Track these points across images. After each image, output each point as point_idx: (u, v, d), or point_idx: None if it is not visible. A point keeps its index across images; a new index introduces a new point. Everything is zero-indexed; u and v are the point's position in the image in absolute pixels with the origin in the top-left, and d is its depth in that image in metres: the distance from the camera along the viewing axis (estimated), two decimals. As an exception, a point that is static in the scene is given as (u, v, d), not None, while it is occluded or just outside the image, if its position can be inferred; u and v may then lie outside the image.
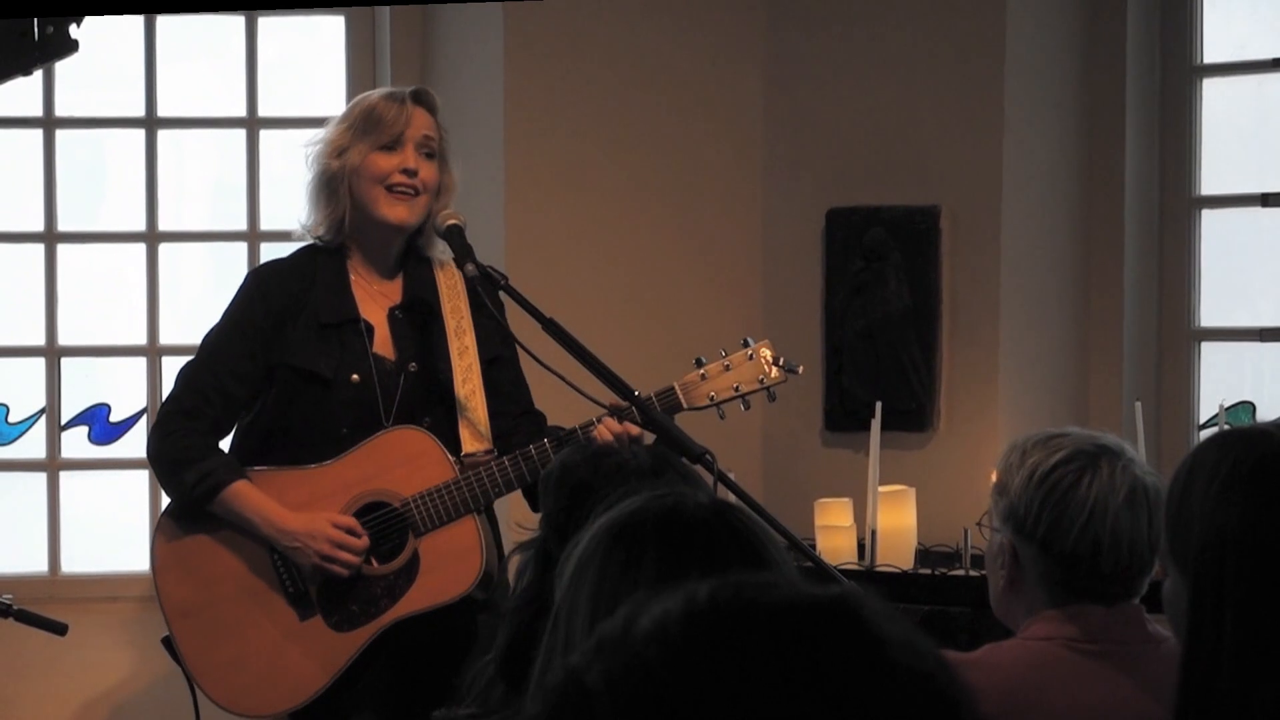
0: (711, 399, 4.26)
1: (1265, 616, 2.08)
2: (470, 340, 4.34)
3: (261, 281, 4.41)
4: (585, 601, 1.97)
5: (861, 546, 5.09)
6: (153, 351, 5.71)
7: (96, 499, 5.83)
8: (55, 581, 5.67)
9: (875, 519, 5.04)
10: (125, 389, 5.75)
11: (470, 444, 4.27)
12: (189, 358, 4.41)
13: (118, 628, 5.57)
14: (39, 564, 5.69)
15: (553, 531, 2.73)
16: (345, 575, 4.26)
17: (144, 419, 5.72)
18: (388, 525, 4.28)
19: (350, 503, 4.28)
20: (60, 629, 4.63)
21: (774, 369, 4.28)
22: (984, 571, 3.08)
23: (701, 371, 4.27)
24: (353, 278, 4.38)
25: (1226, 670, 2.08)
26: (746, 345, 4.30)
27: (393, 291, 4.39)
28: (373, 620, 4.28)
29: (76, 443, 5.75)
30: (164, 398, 4.44)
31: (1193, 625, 2.12)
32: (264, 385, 4.34)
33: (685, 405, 4.24)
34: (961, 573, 4.99)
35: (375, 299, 4.38)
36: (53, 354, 5.72)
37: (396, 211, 4.32)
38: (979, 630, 4.42)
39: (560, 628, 2.01)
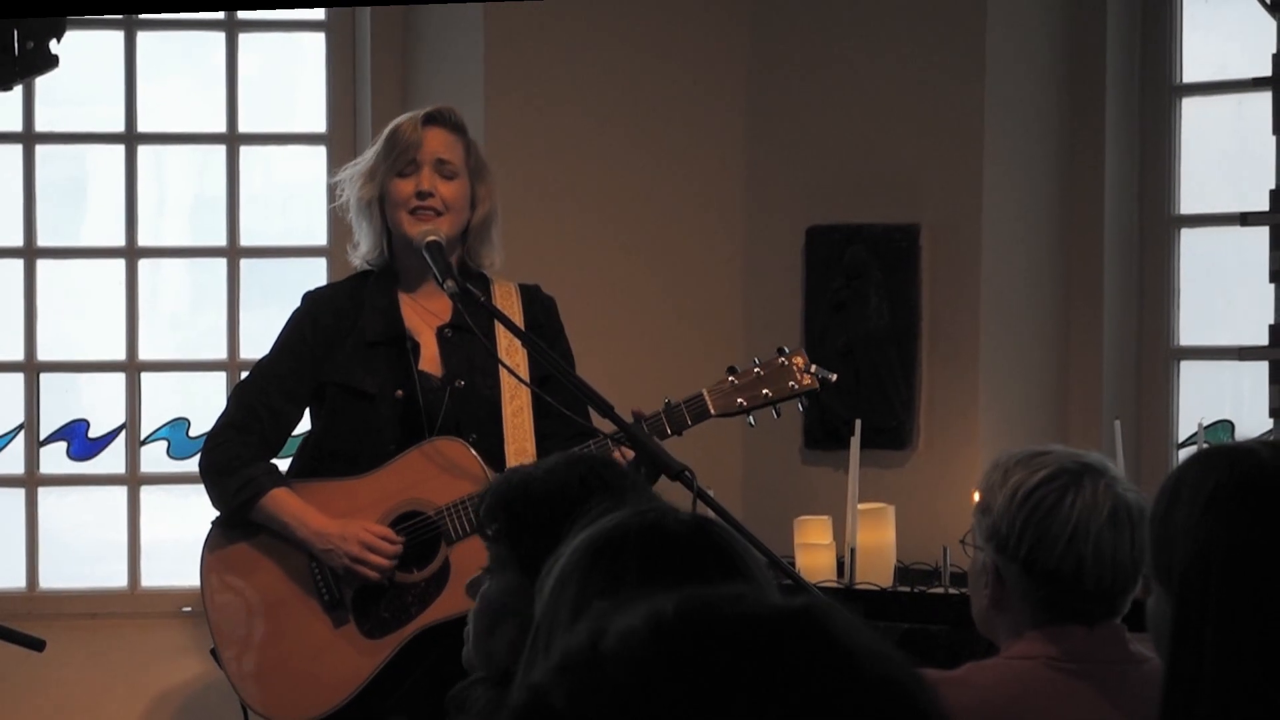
0: (742, 405, 4.27)
1: (1247, 634, 2.08)
2: (521, 358, 4.36)
3: (311, 304, 4.51)
4: (566, 616, 1.97)
5: (841, 564, 5.09)
6: (132, 367, 5.69)
7: (75, 515, 5.81)
8: (33, 598, 5.65)
9: (855, 537, 5.03)
10: (104, 404, 5.73)
11: (514, 461, 4.29)
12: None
13: (96, 644, 5.55)
14: (17, 580, 5.67)
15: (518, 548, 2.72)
16: (375, 579, 4.32)
17: (123, 435, 5.70)
18: (421, 533, 4.34)
19: (387, 511, 4.35)
20: (38, 645, 4.61)
21: (806, 376, 4.29)
22: (964, 589, 3.08)
23: (732, 378, 4.27)
24: (402, 297, 4.45)
25: (1208, 687, 2.07)
26: (780, 353, 4.30)
27: (443, 310, 4.43)
28: (403, 627, 4.34)
29: (55, 458, 5.73)
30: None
31: (1175, 643, 2.12)
32: (314, 404, 4.45)
33: (714, 412, 4.25)
34: (941, 590, 4.99)
35: (424, 317, 4.44)
36: (31, 369, 5.70)
37: (419, 230, 4.35)
38: (958, 648, 4.42)
39: (541, 642, 2.00)
